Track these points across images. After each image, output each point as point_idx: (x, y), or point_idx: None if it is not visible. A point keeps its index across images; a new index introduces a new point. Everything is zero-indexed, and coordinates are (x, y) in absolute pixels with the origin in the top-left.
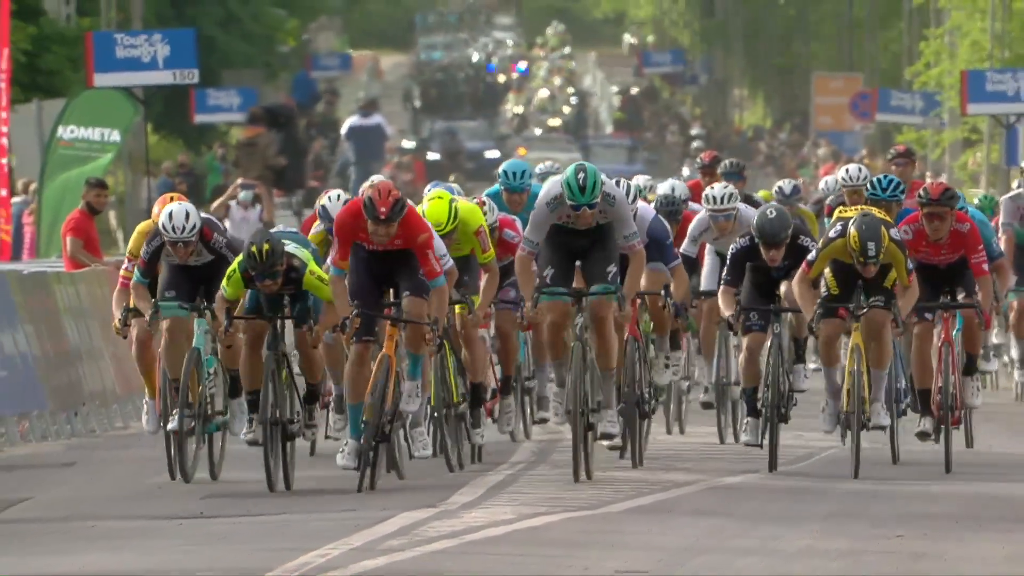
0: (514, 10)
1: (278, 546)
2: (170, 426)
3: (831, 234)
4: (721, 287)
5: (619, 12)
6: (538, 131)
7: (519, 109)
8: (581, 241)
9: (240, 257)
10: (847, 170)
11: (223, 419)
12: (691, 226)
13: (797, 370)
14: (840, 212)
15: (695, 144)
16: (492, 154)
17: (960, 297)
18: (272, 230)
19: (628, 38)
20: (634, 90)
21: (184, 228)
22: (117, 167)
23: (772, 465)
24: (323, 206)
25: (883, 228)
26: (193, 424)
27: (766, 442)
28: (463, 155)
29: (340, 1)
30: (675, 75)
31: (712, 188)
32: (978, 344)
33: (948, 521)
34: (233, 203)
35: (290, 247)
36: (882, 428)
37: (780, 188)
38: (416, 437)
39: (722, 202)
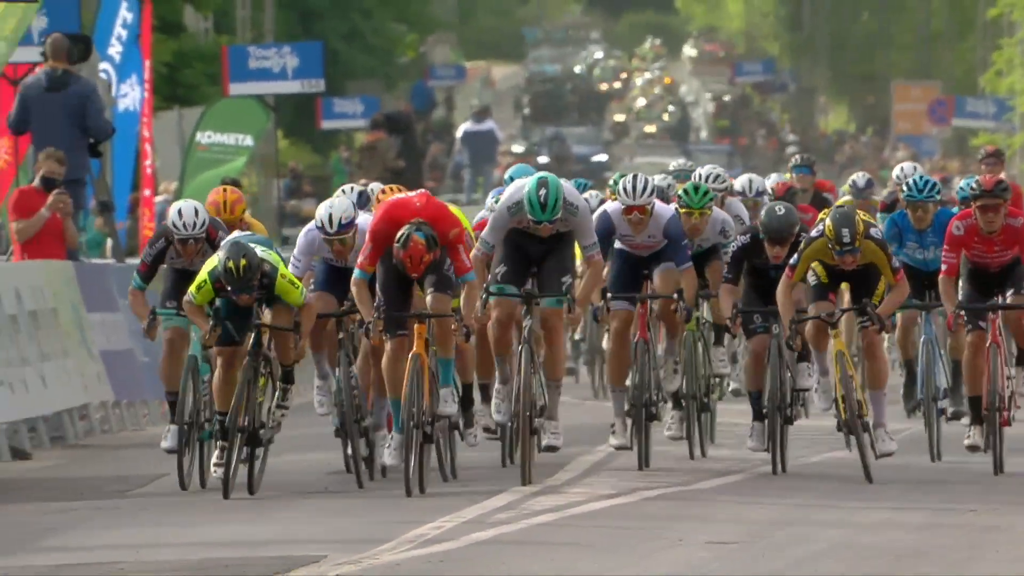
0: (615, 26)
1: (396, 519)
2: (164, 444)
3: (813, 233)
4: (723, 285)
5: (712, 26)
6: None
7: (620, 117)
8: (538, 247)
9: (210, 265)
10: (902, 168)
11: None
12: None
13: (801, 368)
14: (823, 215)
15: (790, 149)
16: (600, 158)
17: (1009, 296)
18: (234, 236)
19: (688, 50)
20: (727, 98)
21: (195, 224)
22: (250, 169)
23: (774, 468)
24: (351, 202)
25: (858, 219)
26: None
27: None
28: (571, 159)
29: (455, 16)
30: (765, 83)
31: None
32: None
33: (1020, 498)
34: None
35: (258, 251)
36: (888, 455)
37: (854, 182)
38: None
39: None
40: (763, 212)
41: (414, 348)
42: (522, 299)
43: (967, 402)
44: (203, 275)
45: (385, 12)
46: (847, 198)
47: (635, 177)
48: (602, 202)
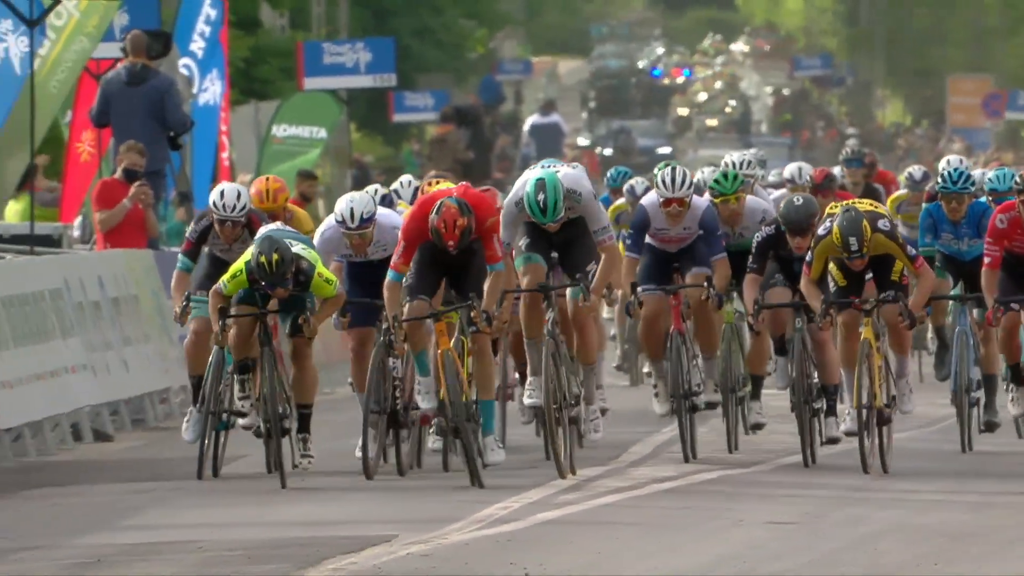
0: (678, 22)
1: (465, 499)
2: (186, 437)
3: (820, 231)
4: (747, 276)
5: (771, 22)
6: (704, 131)
7: (683, 111)
8: (558, 236)
9: (247, 256)
10: (948, 160)
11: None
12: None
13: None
14: (830, 209)
15: (850, 142)
16: (664, 150)
17: None
18: (273, 227)
19: (740, 45)
20: (786, 91)
21: (234, 207)
22: (324, 161)
23: (806, 460)
24: (394, 190)
25: (864, 221)
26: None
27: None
28: (636, 152)
29: (523, 13)
30: (823, 78)
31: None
32: None
33: None
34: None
35: (297, 248)
36: (908, 412)
37: (911, 174)
38: (487, 444)
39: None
40: (782, 203)
41: (441, 346)
42: (541, 291)
43: (1008, 371)
44: (239, 264)
45: (455, 8)
46: (903, 191)
47: (673, 170)
48: (648, 189)
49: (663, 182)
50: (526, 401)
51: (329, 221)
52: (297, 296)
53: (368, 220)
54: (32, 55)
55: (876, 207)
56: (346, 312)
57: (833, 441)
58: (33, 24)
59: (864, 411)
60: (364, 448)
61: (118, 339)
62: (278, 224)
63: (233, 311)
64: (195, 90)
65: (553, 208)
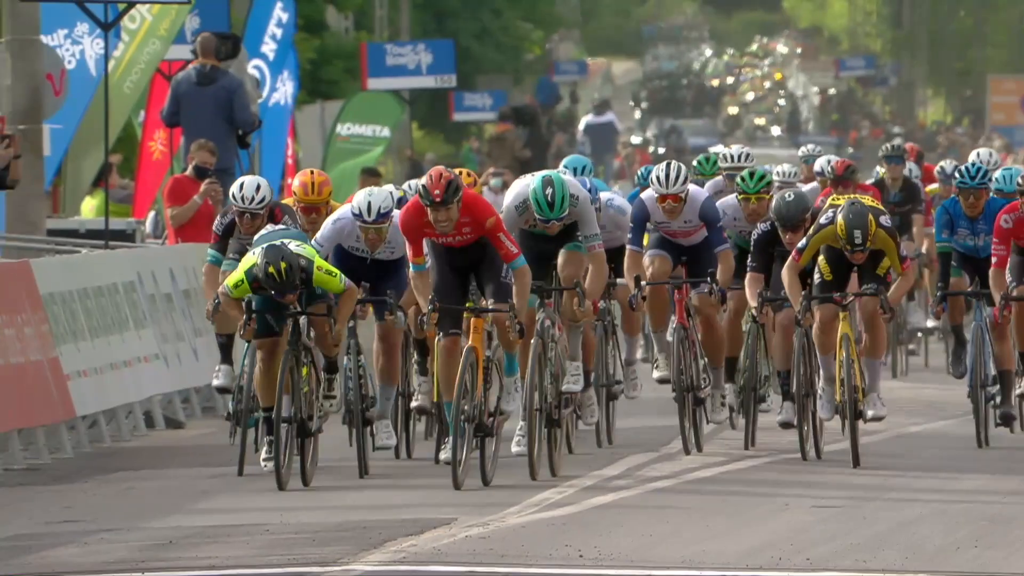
0: (727, 24)
1: (520, 486)
2: (216, 382)
3: (822, 220)
4: (748, 274)
5: (818, 24)
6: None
7: (733, 110)
8: (549, 245)
9: (248, 263)
10: (978, 154)
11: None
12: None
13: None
14: (833, 200)
15: (896, 141)
16: (716, 149)
17: None
18: (266, 231)
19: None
20: (831, 91)
21: (253, 199)
22: (387, 159)
23: (803, 453)
24: (390, 193)
25: (871, 215)
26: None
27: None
28: (687, 150)
29: (578, 16)
30: (867, 78)
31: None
32: None
33: None
34: (485, 188)
35: (293, 246)
36: (879, 419)
37: (942, 168)
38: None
39: (739, 160)
40: (774, 199)
41: (470, 341)
42: (535, 292)
43: (1019, 356)
44: (240, 274)
45: (513, 11)
46: (936, 186)
47: (668, 166)
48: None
49: (658, 179)
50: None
51: (343, 211)
52: (311, 294)
53: (386, 215)
54: (107, 57)
55: (876, 203)
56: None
57: (785, 425)
58: (108, 27)
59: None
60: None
61: (189, 330)
62: (270, 226)
63: (255, 341)
64: (266, 90)
65: (560, 203)
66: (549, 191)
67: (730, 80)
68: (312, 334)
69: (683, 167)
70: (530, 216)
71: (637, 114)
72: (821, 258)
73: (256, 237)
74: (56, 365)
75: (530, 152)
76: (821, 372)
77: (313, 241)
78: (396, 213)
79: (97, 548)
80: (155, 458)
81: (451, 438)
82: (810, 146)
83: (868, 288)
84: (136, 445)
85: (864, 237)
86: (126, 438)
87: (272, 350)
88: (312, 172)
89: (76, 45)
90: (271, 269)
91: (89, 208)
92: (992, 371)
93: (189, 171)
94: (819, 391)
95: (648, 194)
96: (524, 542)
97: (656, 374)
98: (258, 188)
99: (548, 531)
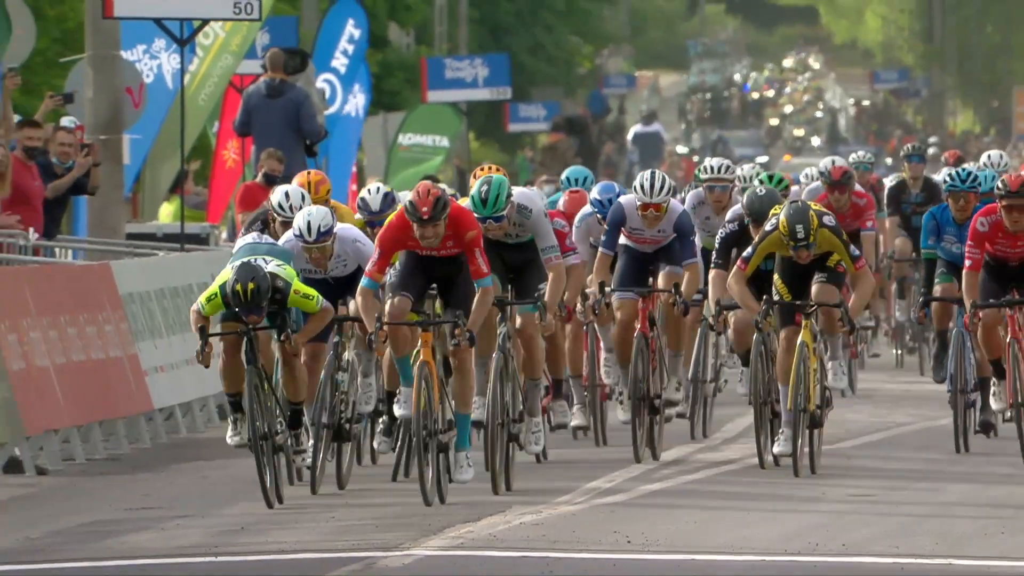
0: (768, 39)
1: (573, 473)
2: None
3: (767, 227)
4: (712, 272)
5: (855, 39)
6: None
7: (774, 122)
8: (513, 255)
9: (220, 280)
10: (988, 156)
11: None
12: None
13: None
14: (775, 210)
15: (932, 150)
16: (762, 159)
17: None
18: (250, 239)
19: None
20: (865, 102)
21: (301, 208)
22: (446, 167)
23: (763, 462)
24: (362, 198)
25: (811, 213)
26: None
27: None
28: (734, 159)
29: (627, 31)
30: (900, 90)
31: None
32: None
33: None
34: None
35: (271, 266)
36: (837, 389)
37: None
38: (459, 460)
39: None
40: (745, 195)
41: (421, 357)
42: (497, 306)
43: (991, 364)
44: (215, 288)
45: (565, 27)
46: None
47: (652, 175)
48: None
49: (641, 187)
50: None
51: (288, 235)
52: (282, 317)
53: (326, 233)
54: (182, 71)
55: (819, 207)
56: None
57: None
58: (183, 43)
59: (799, 414)
60: (313, 460)
61: None
62: (253, 236)
63: (218, 327)
64: (337, 102)
65: (494, 202)
66: (484, 188)
67: (770, 93)
68: (281, 374)
69: (667, 177)
70: (489, 225)
71: (683, 125)
72: (776, 278)
73: (238, 245)
74: (135, 361)
75: (581, 160)
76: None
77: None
78: (344, 226)
79: (173, 533)
80: (227, 448)
81: (404, 388)
82: (861, 152)
83: (821, 277)
84: (209, 436)
85: (807, 232)
86: (200, 429)
87: (235, 342)
88: (309, 172)
89: (154, 60)
90: (238, 287)
91: (166, 213)
92: (973, 377)
93: (259, 178)
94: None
95: (628, 199)
96: (575, 529)
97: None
98: (303, 198)
99: (597, 518)
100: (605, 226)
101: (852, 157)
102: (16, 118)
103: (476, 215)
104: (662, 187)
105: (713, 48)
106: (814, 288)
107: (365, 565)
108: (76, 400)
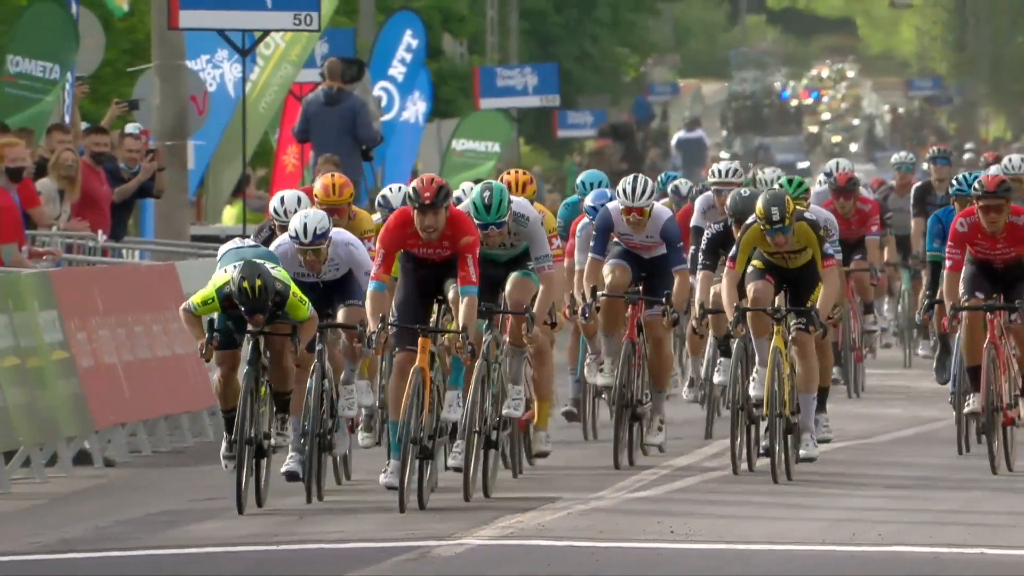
0: (806, 48)
1: (613, 471)
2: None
3: (748, 220)
4: (699, 274)
5: (890, 49)
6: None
7: (813, 129)
8: (501, 268)
9: (219, 282)
10: (1010, 159)
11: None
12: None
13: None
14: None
15: (967, 156)
16: (803, 164)
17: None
18: (234, 245)
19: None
20: (900, 110)
21: (296, 212)
22: (497, 172)
23: (736, 468)
24: (383, 195)
25: (788, 198)
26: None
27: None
28: (776, 166)
29: (671, 41)
30: (934, 97)
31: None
32: None
33: None
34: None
35: (268, 266)
36: (811, 460)
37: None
38: (452, 448)
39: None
40: (729, 196)
41: (417, 362)
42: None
43: (967, 373)
44: (210, 291)
45: (612, 38)
46: None
47: (635, 179)
48: (694, 189)
49: (623, 191)
50: (599, 382)
51: (283, 237)
52: (279, 318)
53: (322, 236)
54: (244, 80)
55: (800, 203)
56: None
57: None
58: (245, 53)
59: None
60: (307, 469)
61: None
62: (237, 241)
63: (216, 356)
64: (394, 109)
65: (496, 208)
66: (487, 194)
67: (808, 101)
68: (268, 355)
69: (650, 181)
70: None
71: (724, 132)
72: (755, 260)
73: (223, 251)
74: (198, 357)
75: (626, 165)
76: (757, 357)
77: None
78: (336, 230)
79: (235, 523)
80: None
81: (393, 460)
82: (903, 153)
83: (799, 324)
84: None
85: (781, 214)
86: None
87: (233, 364)
88: (332, 175)
89: (217, 69)
90: (245, 284)
91: (229, 216)
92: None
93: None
94: (752, 375)
95: (614, 205)
96: (620, 519)
97: (600, 380)
98: (299, 201)
99: (642, 510)
100: (593, 231)
101: (894, 159)
102: (84, 125)
103: (478, 221)
104: (644, 191)
105: (753, 57)
106: (796, 336)
107: (419, 554)
108: (142, 395)
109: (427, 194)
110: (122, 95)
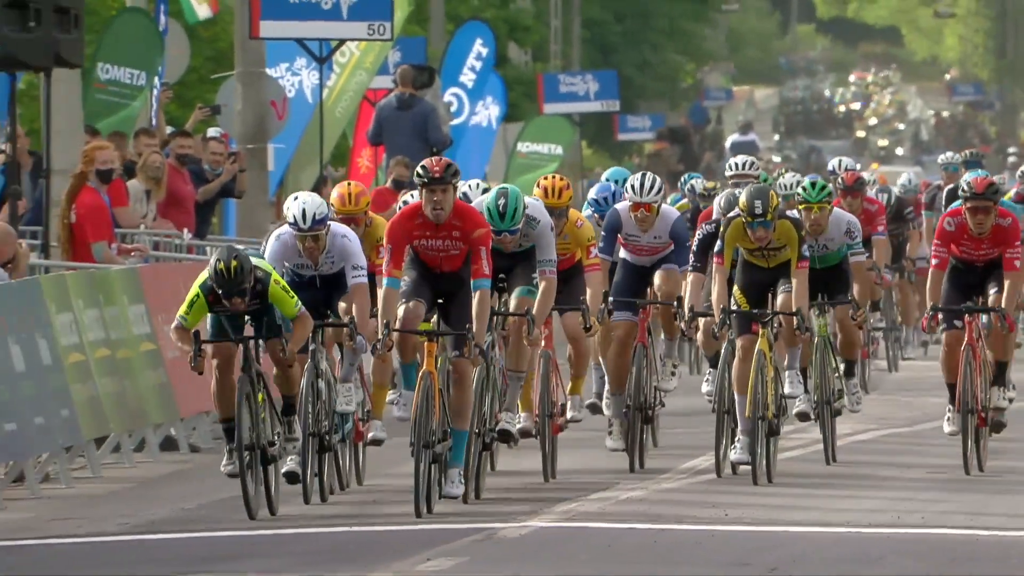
0: (853, 56)
1: (675, 453)
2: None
3: (731, 214)
4: (690, 276)
5: (934, 55)
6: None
7: (861, 133)
8: (504, 260)
9: (201, 280)
10: None
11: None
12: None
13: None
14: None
15: (1011, 159)
16: (855, 166)
17: (991, 297)
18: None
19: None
20: (944, 114)
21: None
22: (560, 173)
23: (720, 471)
24: (463, 193)
25: (772, 193)
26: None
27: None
28: (825, 168)
29: (725, 50)
30: (976, 102)
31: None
32: (1006, 350)
33: None
34: None
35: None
36: (793, 397)
37: (1022, 172)
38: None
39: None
40: (722, 196)
41: (424, 367)
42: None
43: (947, 388)
44: (194, 290)
45: (669, 46)
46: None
47: (643, 175)
48: (707, 189)
49: (632, 187)
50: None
51: (283, 228)
52: (269, 318)
53: (321, 221)
54: (321, 86)
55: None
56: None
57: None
58: (322, 61)
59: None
60: (303, 469)
61: None
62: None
63: (210, 347)
64: (464, 114)
65: (512, 215)
66: (502, 202)
67: (856, 106)
68: (265, 359)
69: (657, 178)
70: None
71: (776, 135)
72: (737, 291)
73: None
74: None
75: (683, 166)
76: (737, 410)
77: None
78: (334, 223)
79: (313, 506)
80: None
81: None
82: (949, 154)
83: (790, 313)
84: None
85: (764, 207)
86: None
87: (228, 359)
88: (349, 183)
89: (295, 76)
90: (220, 265)
91: None
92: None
93: (389, 183)
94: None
95: (623, 205)
96: (676, 504)
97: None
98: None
99: (696, 494)
100: (602, 231)
101: (941, 158)
102: (169, 129)
103: (493, 227)
104: (652, 187)
105: (803, 64)
106: (780, 298)
107: (486, 535)
108: None
109: (436, 168)
110: (206, 101)
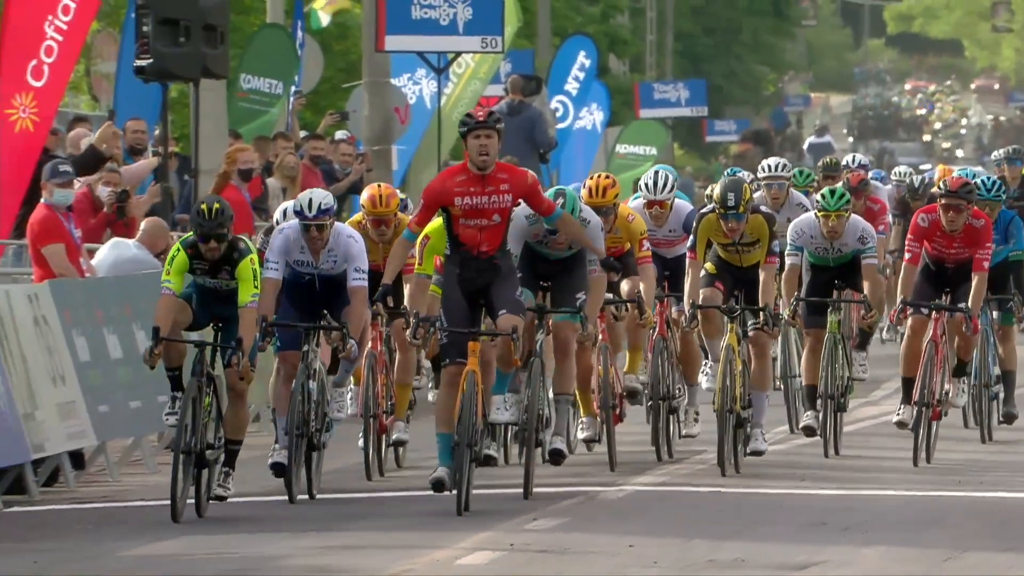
0: (921, 64)
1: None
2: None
3: (704, 209)
4: (690, 271)
5: (993, 64)
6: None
7: (927, 137)
8: (550, 265)
9: (184, 236)
10: None
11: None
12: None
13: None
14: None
15: None
16: (925, 167)
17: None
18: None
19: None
20: (1002, 118)
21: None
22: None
23: (724, 469)
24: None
25: (747, 187)
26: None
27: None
28: (895, 168)
29: (804, 61)
30: None
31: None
32: (969, 348)
33: None
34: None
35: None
36: (758, 454)
37: None
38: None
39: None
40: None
41: (468, 366)
42: (535, 313)
43: (902, 381)
44: (173, 248)
45: (753, 57)
46: None
47: (655, 174)
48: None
49: (646, 185)
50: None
51: (286, 222)
52: (235, 321)
53: (326, 212)
54: (439, 94)
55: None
56: (265, 337)
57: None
58: (440, 71)
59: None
60: (288, 469)
61: None
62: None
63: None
64: (569, 119)
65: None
66: (560, 201)
67: (921, 112)
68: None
69: (670, 176)
70: (539, 229)
71: (850, 138)
72: (709, 264)
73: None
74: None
75: None
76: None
77: (267, 260)
78: (340, 224)
79: (426, 471)
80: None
81: (441, 468)
82: (999, 151)
83: (756, 324)
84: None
85: (737, 200)
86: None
87: (178, 311)
88: (379, 185)
89: (416, 85)
90: (203, 206)
91: None
92: (996, 371)
93: None
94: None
95: (637, 203)
96: (755, 471)
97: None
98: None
99: (775, 461)
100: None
101: (994, 155)
102: (303, 133)
103: (549, 227)
104: (664, 185)
105: (874, 74)
106: (752, 336)
107: (587, 497)
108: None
109: (480, 114)
110: (337, 107)
